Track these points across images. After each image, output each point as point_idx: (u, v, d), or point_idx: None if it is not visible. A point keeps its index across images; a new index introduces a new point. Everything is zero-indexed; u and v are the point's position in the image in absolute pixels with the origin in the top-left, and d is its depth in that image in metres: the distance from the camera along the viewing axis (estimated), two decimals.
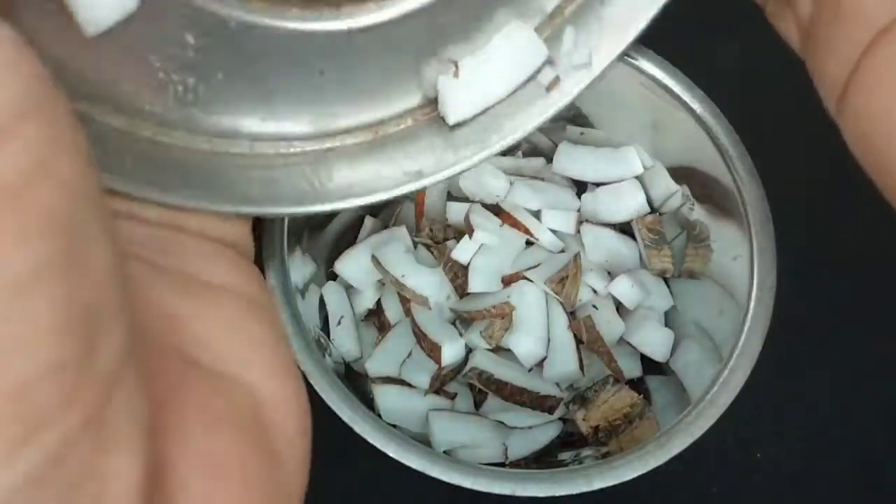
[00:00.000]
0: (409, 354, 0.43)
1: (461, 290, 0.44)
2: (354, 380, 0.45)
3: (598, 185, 0.47)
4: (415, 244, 0.46)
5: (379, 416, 0.41)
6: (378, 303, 0.46)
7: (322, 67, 0.22)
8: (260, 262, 0.38)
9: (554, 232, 0.45)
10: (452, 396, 0.44)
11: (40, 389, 0.11)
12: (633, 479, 0.34)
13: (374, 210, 0.50)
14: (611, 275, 0.45)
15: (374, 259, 0.44)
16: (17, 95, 0.11)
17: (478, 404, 0.44)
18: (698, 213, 0.44)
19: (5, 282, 0.11)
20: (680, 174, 0.45)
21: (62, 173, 0.11)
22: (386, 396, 0.42)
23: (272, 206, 0.23)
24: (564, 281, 0.43)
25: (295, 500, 0.19)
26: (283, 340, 0.20)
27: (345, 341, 0.44)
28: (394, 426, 0.38)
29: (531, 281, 0.43)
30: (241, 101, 0.22)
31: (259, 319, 0.20)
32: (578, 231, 0.46)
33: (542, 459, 0.42)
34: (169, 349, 0.18)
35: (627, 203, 0.46)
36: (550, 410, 0.42)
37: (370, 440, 0.35)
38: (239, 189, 0.22)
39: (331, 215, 0.47)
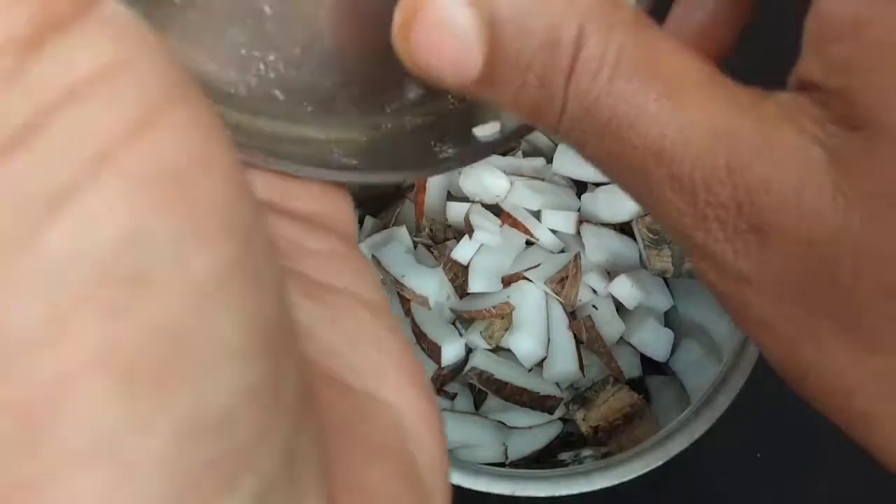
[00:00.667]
0: None
1: (461, 290, 0.44)
2: None
3: (597, 185, 0.47)
4: (415, 244, 0.46)
5: None
6: None
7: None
8: None
9: (554, 232, 0.45)
10: (452, 396, 0.44)
11: (238, 421, 0.09)
12: (633, 479, 0.34)
13: (374, 210, 0.50)
14: (611, 275, 0.45)
15: (374, 259, 0.44)
16: (163, 80, 0.09)
17: (477, 404, 0.44)
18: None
19: (186, 288, 0.09)
20: None
21: (223, 164, 0.09)
22: None
23: (391, 172, 0.21)
24: (564, 281, 0.43)
25: None
26: (411, 349, 0.18)
27: None
28: None
29: (531, 281, 0.43)
30: (319, 78, 0.21)
31: (386, 327, 0.17)
32: (579, 231, 0.46)
33: (543, 459, 0.42)
34: (306, 363, 0.15)
35: (627, 203, 0.46)
36: (550, 410, 0.42)
37: None
38: (338, 161, 0.21)
39: None
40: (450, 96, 0.23)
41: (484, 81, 0.15)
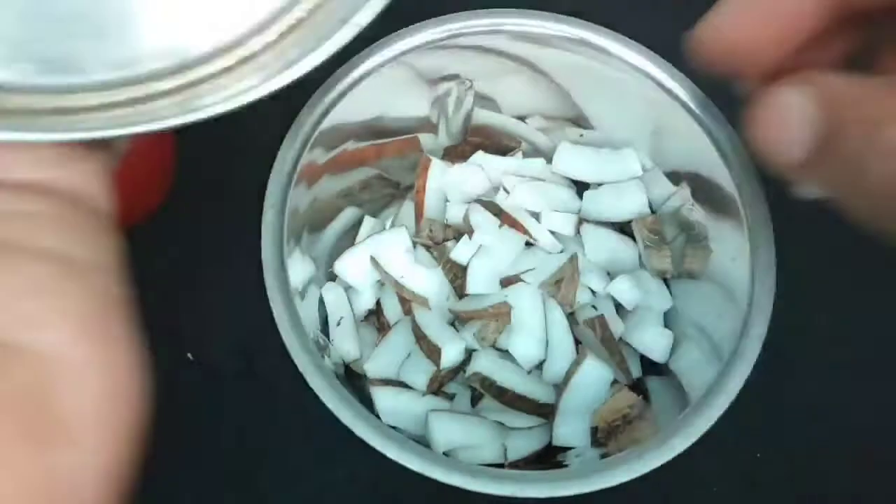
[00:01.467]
0: (408, 355, 0.43)
1: (460, 291, 0.44)
2: (354, 381, 0.45)
3: (599, 185, 0.47)
4: (414, 244, 0.46)
5: (378, 418, 0.41)
6: (378, 303, 0.46)
7: None
8: (259, 262, 0.38)
9: (553, 233, 0.45)
10: (452, 397, 0.44)
11: None
12: (633, 480, 0.34)
13: (374, 210, 0.50)
14: (610, 275, 0.45)
15: (373, 260, 0.44)
16: None
17: (474, 401, 0.43)
18: (698, 213, 0.44)
19: None
20: (680, 175, 0.45)
21: None
22: (385, 398, 0.42)
23: (105, 128, 0.21)
24: (560, 283, 0.42)
25: (94, 480, 0.17)
26: (108, 304, 0.19)
27: (344, 342, 0.44)
28: (393, 428, 0.38)
29: (529, 283, 0.43)
30: (44, 42, 0.22)
31: (75, 282, 0.18)
32: (578, 232, 0.46)
33: (542, 460, 0.42)
34: None
35: (629, 202, 0.46)
36: (547, 416, 0.42)
37: (370, 442, 0.35)
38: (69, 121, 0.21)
39: (331, 217, 0.47)
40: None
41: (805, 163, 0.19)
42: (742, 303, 0.38)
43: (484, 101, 0.47)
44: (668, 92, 0.42)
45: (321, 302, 0.45)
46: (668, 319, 0.46)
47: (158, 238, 0.52)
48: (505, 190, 0.46)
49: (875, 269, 0.52)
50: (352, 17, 0.26)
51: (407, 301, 0.44)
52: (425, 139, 0.49)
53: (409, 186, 0.50)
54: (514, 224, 0.44)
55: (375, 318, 0.46)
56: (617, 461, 0.35)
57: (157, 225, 0.52)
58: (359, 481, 0.46)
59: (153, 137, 0.31)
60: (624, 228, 0.47)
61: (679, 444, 0.35)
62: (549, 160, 0.48)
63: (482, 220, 0.44)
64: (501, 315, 0.42)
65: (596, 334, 0.42)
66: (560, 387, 0.41)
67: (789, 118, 0.20)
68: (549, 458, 0.42)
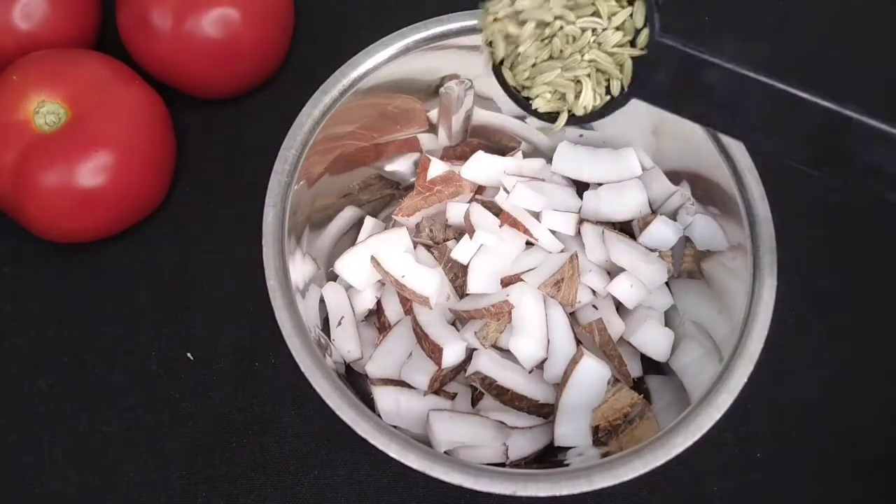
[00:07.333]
0: (409, 355, 0.43)
1: (461, 291, 0.44)
2: (355, 379, 0.45)
3: (598, 185, 0.47)
4: (414, 244, 0.46)
5: (379, 417, 0.41)
6: (378, 303, 0.46)
7: None
8: (259, 261, 0.38)
9: (554, 232, 0.45)
10: (452, 396, 0.44)
11: None
12: (633, 479, 0.34)
13: (374, 210, 0.50)
14: (611, 275, 0.45)
15: (374, 260, 0.44)
16: None
17: (474, 400, 0.43)
18: (698, 213, 0.44)
19: None
20: (680, 175, 0.45)
21: None
22: (385, 398, 0.42)
23: None
24: (560, 283, 0.43)
25: None
26: None
27: (345, 342, 0.44)
28: (394, 427, 0.38)
29: (529, 283, 0.43)
30: None
31: None
32: (578, 231, 0.46)
33: (543, 459, 0.42)
34: None
35: (630, 201, 0.46)
36: (547, 416, 0.42)
37: (371, 441, 0.35)
38: None
39: (331, 216, 0.47)
40: None
41: None
42: (742, 302, 0.38)
43: (484, 101, 0.47)
44: None
45: (322, 301, 0.45)
46: (669, 319, 0.46)
47: (159, 238, 0.52)
48: (505, 190, 0.46)
49: (874, 269, 0.52)
50: None
51: (407, 301, 0.44)
52: (425, 139, 0.49)
53: (409, 186, 0.50)
54: (514, 224, 0.44)
55: (376, 318, 0.46)
56: (618, 460, 0.35)
57: (157, 225, 0.52)
58: (359, 481, 0.46)
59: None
60: (624, 228, 0.47)
61: (680, 442, 0.35)
62: (549, 160, 0.48)
63: (482, 220, 0.44)
64: (502, 314, 0.42)
65: (594, 339, 0.42)
66: (559, 386, 0.41)
67: None
68: (550, 457, 0.42)
